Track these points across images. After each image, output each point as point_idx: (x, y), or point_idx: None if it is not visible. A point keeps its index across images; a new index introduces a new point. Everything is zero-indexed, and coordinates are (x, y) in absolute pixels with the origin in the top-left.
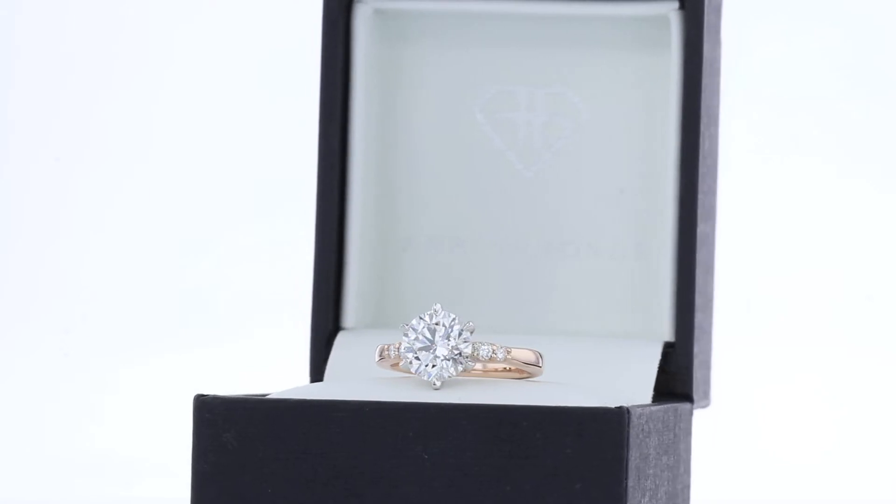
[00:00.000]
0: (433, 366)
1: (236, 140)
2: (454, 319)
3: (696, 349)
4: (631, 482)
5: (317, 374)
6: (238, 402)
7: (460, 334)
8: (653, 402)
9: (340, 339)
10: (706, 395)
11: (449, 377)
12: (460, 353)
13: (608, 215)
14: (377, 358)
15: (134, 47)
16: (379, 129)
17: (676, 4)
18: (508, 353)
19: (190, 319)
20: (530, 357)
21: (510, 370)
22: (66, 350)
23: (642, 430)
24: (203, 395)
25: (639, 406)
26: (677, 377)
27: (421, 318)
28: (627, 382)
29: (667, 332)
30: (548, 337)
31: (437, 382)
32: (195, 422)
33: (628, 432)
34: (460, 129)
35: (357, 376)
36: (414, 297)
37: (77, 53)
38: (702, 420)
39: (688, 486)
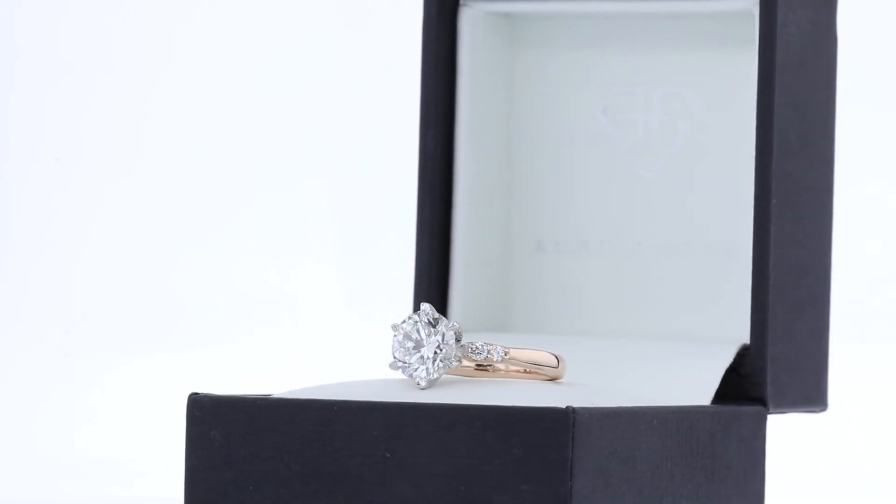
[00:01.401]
0: (418, 366)
1: (331, 142)
2: (438, 319)
3: (773, 352)
4: (583, 483)
5: None
6: (223, 401)
7: (444, 337)
8: (712, 404)
9: None
10: (799, 399)
11: (436, 377)
12: (446, 354)
13: (724, 215)
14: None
15: (172, 46)
16: (489, 132)
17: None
18: (507, 353)
19: (193, 319)
20: (539, 357)
21: (527, 372)
22: (65, 350)
23: (617, 430)
24: (195, 394)
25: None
26: (751, 380)
27: (409, 318)
28: (684, 385)
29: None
30: (626, 339)
31: (421, 382)
32: (187, 419)
33: (573, 433)
34: (577, 131)
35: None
36: (522, 301)
37: (85, 54)
38: (813, 425)
39: (758, 493)
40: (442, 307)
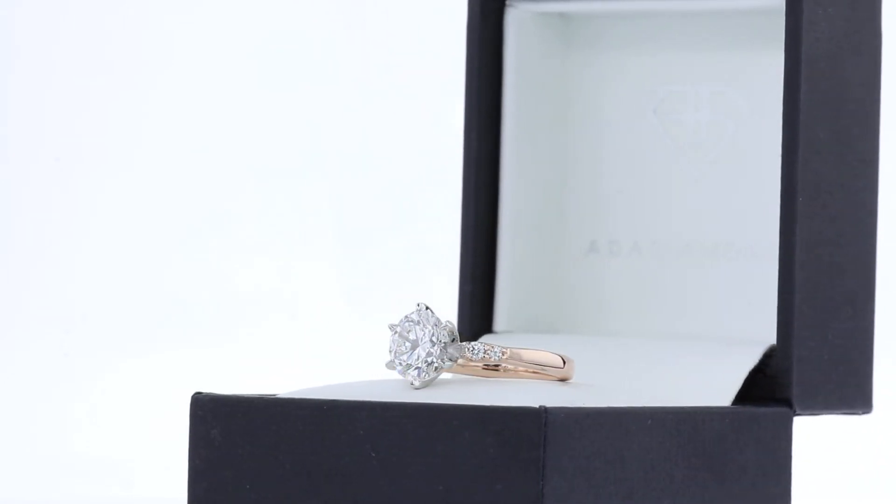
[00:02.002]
0: (412, 366)
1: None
2: (434, 319)
3: (801, 352)
4: (558, 483)
5: None
6: (222, 400)
7: (438, 337)
8: (733, 405)
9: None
10: (834, 400)
11: (430, 378)
12: (441, 354)
13: (768, 215)
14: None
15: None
16: (536, 133)
17: None
18: (504, 353)
19: (194, 319)
20: (542, 358)
21: (535, 372)
22: (65, 350)
23: (600, 431)
24: (198, 394)
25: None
26: (777, 381)
27: (406, 318)
28: (706, 385)
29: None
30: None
31: (415, 382)
32: (190, 418)
33: (546, 433)
34: (628, 131)
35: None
36: (572, 303)
37: (85, 54)
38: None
39: (782, 496)
40: (486, 309)
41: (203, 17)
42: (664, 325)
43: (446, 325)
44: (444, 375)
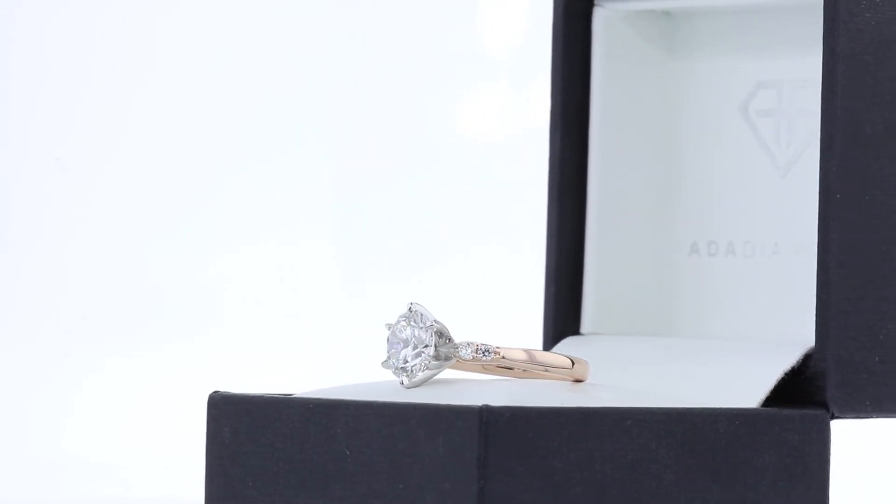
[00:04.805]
0: (403, 365)
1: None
2: (427, 318)
3: (840, 354)
4: (503, 483)
5: None
6: (231, 399)
7: (429, 337)
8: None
9: (565, 343)
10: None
11: (421, 377)
12: (431, 353)
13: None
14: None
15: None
16: (624, 134)
17: None
18: (498, 353)
19: (194, 319)
20: (548, 359)
21: (547, 372)
22: (66, 350)
23: (562, 431)
24: (215, 392)
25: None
26: (813, 383)
27: (401, 317)
28: (737, 386)
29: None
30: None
31: (404, 381)
32: (207, 417)
33: (487, 431)
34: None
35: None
36: (659, 304)
37: (85, 54)
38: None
39: (817, 500)
40: (573, 310)
41: (202, 7)
42: (738, 325)
43: (436, 325)
44: (444, 374)
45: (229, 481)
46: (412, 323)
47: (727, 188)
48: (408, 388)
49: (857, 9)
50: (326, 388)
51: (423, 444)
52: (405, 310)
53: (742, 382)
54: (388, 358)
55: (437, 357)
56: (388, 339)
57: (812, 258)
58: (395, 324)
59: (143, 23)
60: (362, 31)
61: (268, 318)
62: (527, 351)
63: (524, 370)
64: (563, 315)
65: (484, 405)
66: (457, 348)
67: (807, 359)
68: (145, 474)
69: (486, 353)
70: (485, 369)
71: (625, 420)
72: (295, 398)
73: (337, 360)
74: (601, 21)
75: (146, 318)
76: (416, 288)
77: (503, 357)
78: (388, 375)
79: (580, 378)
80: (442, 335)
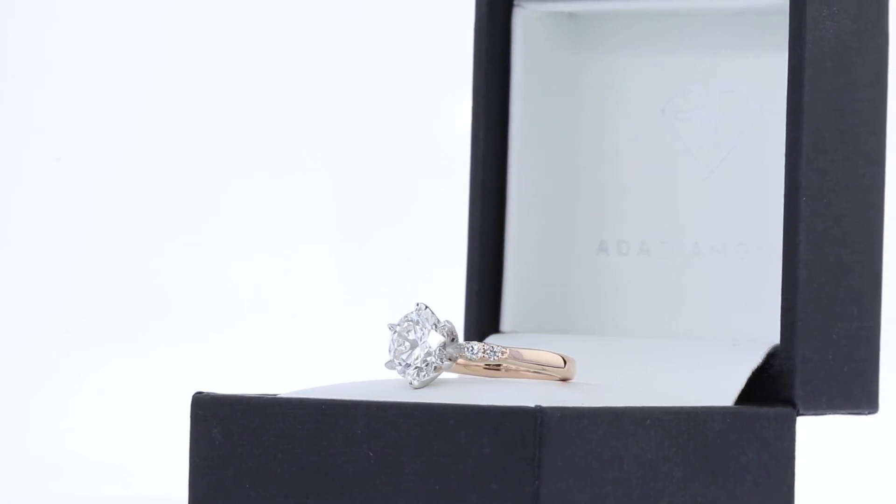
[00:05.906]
0: (411, 366)
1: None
2: (433, 319)
3: (804, 352)
4: (554, 483)
5: None
6: (223, 400)
7: (436, 337)
8: (735, 405)
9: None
10: (838, 401)
11: (430, 377)
12: (439, 354)
13: (777, 215)
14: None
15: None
16: (545, 133)
17: None
18: (504, 353)
19: (194, 319)
20: (544, 358)
21: (537, 372)
22: (66, 350)
23: (597, 431)
24: (199, 393)
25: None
26: (780, 381)
27: (405, 318)
28: (710, 385)
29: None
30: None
31: (414, 382)
32: (191, 418)
33: (541, 432)
34: (637, 131)
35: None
36: (578, 302)
37: (85, 54)
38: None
39: (784, 495)
40: (493, 309)
41: (204, 7)
42: (670, 324)
43: (445, 325)
44: (446, 375)
45: (220, 484)
46: (420, 323)
47: (645, 188)
48: (417, 388)
49: (819, 17)
50: (314, 388)
51: (465, 446)
52: (411, 310)
53: (710, 381)
54: (393, 358)
55: (449, 357)
56: (391, 340)
57: (733, 257)
58: (401, 324)
59: (146, 22)
60: (363, 36)
61: (268, 318)
62: (526, 350)
63: (515, 369)
64: (485, 313)
65: (537, 406)
66: (463, 349)
67: (770, 357)
68: (145, 474)
69: (493, 353)
70: (465, 368)
71: (644, 420)
72: (305, 399)
73: (337, 360)
74: (521, 21)
75: (146, 319)
76: (417, 288)
77: (509, 356)
78: (389, 375)
79: (568, 377)
80: (451, 335)
